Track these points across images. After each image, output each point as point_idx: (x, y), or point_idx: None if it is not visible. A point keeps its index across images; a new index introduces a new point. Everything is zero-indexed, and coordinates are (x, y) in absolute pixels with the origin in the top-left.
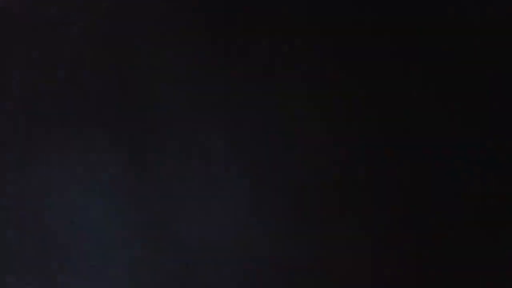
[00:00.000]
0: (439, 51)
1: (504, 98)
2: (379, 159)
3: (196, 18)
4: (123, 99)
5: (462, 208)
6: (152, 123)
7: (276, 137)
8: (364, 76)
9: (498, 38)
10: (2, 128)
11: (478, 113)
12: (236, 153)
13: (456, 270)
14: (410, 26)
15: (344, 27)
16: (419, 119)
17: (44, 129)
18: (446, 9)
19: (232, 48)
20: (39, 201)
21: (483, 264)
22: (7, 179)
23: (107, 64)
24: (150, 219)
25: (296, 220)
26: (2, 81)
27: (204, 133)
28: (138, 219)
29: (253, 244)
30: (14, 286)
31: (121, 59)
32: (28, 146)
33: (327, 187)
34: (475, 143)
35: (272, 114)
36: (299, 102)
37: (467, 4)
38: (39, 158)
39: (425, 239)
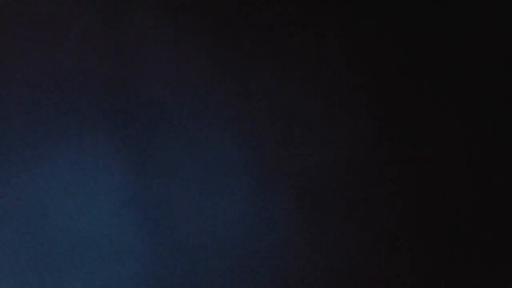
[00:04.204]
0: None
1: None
2: (382, 154)
3: (198, 17)
4: (125, 99)
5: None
6: (155, 122)
7: (279, 135)
8: (367, 74)
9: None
10: (2, 128)
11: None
12: (240, 151)
13: (457, 270)
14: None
15: (350, 26)
16: (421, 117)
17: (45, 128)
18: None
19: (234, 46)
20: (38, 200)
21: (483, 264)
22: (8, 179)
23: (109, 64)
24: (153, 218)
25: (301, 217)
26: (2, 81)
27: (207, 131)
28: (141, 218)
29: (257, 242)
30: (15, 285)
31: (123, 58)
32: (28, 146)
33: (332, 184)
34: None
35: (274, 111)
36: (301, 99)
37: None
38: (39, 158)
39: (428, 237)
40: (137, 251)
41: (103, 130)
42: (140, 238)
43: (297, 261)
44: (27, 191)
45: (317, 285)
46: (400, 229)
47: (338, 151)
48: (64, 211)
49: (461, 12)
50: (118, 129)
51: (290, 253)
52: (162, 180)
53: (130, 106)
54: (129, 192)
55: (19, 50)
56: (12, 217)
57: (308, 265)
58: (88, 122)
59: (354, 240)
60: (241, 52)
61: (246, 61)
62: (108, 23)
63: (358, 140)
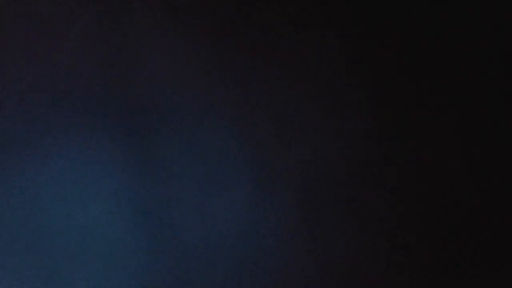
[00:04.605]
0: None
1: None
2: (382, 154)
3: (198, 18)
4: (125, 99)
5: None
6: (154, 122)
7: (279, 135)
8: (367, 74)
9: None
10: (2, 128)
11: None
12: (240, 152)
13: (458, 270)
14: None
15: (349, 26)
16: (421, 117)
17: (44, 129)
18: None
19: (234, 46)
20: (38, 200)
21: (483, 263)
22: (8, 179)
23: (109, 64)
24: (153, 218)
25: (301, 218)
26: (2, 81)
27: (207, 131)
28: (141, 219)
29: (257, 242)
30: (15, 285)
31: (123, 58)
32: (28, 146)
33: (332, 184)
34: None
35: (274, 111)
36: (301, 97)
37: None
38: (39, 158)
39: (428, 236)
40: (137, 251)
41: (103, 130)
42: (140, 238)
43: (297, 261)
44: (27, 191)
45: (317, 285)
46: (400, 229)
47: (338, 151)
48: (65, 211)
49: (461, 12)
50: (119, 129)
51: (290, 253)
52: (163, 180)
53: (131, 106)
54: (130, 192)
55: (19, 50)
56: (12, 217)
57: (308, 265)
58: (88, 122)
59: (354, 240)
60: (241, 52)
61: (246, 62)
62: (108, 23)
63: (358, 140)
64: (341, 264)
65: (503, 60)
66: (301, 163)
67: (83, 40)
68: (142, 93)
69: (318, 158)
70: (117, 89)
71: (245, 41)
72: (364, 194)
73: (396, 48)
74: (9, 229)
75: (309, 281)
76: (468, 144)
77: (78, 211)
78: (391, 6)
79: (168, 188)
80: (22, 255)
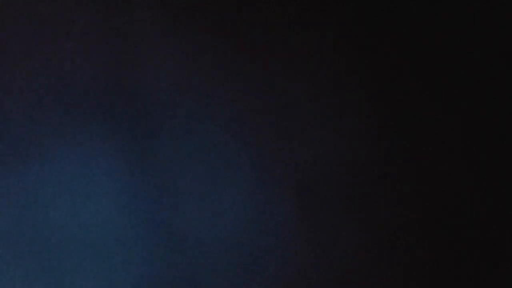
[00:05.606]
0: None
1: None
2: (382, 154)
3: (198, 18)
4: (125, 99)
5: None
6: (155, 121)
7: (279, 134)
8: (367, 74)
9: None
10: (2, 128)
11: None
12: (240, 151)
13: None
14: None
15: (348, 25)
16: (420, 117)
17: (44, 129)
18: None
19: (234, 46)
20: (39, 200)
21: (483, 264)
22: (8, 180)
23: (109, 64)
24: (153, 218)
25: (301, 217)
26: (2, 81)
27: (207, 131)
28: (141, 219)
29: (257, 241)
30: (14, 285)
31: (123, 58)
32: (28, 146)
33: (332, 183)
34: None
35: (274, 111)
36: (301, 97)
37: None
38: (40, 158)
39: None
40: (138, 250)
41: (103, 130)
42: (140, 237)
43: (297, 260)
44: (27, 191)
45: (317, 285)
46: (400, 228)
47: (338, 151)
48: (65, 212)
49: (461, 12)
50: (119, 129)
51: (290, 252)
52: (163, 180)
53: (130, 106)
54: (130, 192)
55: (19, 50)
56: (12, 217)
57: (308, 264)
58: (88, 122)
59: (354, 239)
60: (241, 52)
61: (246, 62)
62: (108, 23)
63: (358, 139)
64: (341, 264)
65: (503, 60)
66: (301, 163)
67: (83, 40)
68: (142, 93)
69: (318, 158)
70: (117, 89)
71: (245, 41)
72: (364, 193)
73: (396, 48)
74: (10, 229)
75: (309, 281)
76: (468, 144)
77: (78, 212)
78: (391, 6)
79: (168, 188)
80: (22, 254)
